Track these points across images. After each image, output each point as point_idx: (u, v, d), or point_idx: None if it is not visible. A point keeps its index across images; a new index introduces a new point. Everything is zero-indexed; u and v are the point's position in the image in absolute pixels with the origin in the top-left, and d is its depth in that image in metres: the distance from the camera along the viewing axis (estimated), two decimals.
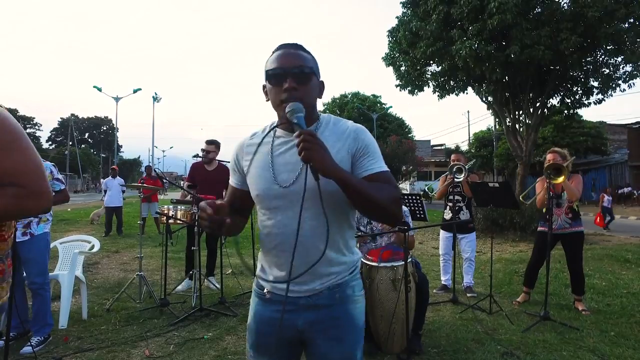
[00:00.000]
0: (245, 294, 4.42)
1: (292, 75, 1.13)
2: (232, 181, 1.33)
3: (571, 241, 4.05)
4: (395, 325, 2.85)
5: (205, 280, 4.55)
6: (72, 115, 64.33)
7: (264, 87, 1.23)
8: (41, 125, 63.69)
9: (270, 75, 1.17)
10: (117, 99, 25.70)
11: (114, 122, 63.37)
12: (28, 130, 61.27)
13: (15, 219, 1.38)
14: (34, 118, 62.45)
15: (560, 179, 3.76)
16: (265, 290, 1.23)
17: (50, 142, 65.68)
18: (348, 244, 1.23)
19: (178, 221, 4.24)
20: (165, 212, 4.19)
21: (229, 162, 5.12)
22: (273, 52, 1.20)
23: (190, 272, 4.75)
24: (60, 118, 64.83)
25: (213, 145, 4.86)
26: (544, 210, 4.10)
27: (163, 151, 62.33)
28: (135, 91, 25.81)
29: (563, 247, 4.12)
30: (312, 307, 1.18)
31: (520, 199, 4.07)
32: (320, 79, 1.25)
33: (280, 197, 1.16)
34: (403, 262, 2.77)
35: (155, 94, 32.65)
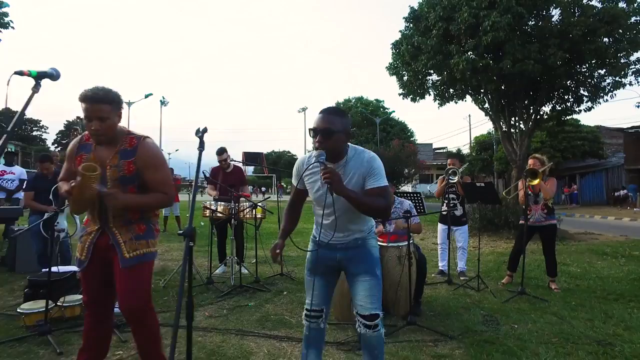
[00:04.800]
0: (274, 276, 5.26)
1: (320, 133, 1.99)
2: (295, 185, 2.25)
3: (546, 232, 4.88)
4: (401, 292, 3.68)
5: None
6: (78, 118, 65.11)
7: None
8: (47, 127, 64.49)
9: (310, 131, 2.03)
10: (129, 104, 26.66)
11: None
12: (35, 133, 62.40)
13: (154, 211, 2.40)
14: (40, 121, 63.09)
15: (535, 182, 4.60)
16: (317, 238, 2.24)
17: (56, 145, 66.54)
18: (362, 218, 2.17)
19: (219, 214, 5.08)
20: (209, 206, 5.03)
21: (239, 162, 6.06)
22: (317, 114, 2.06)
23: (226, 259, 5.60)
24: (66, 121, 65.45)
25: (225, 154, 5.68)
26: (524, 206, 4.93)
27: (169, 154, 63.16)
28: (147, 96, 26.79)
29: (540, 236, 4.96)
30: (343, 248, 2.17)
31: (503, 194, 4.89)
32: (347, 131, 2.08)
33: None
34: (407, 243, 3.61)
35: (163, 97, 33.60)
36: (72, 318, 3.56)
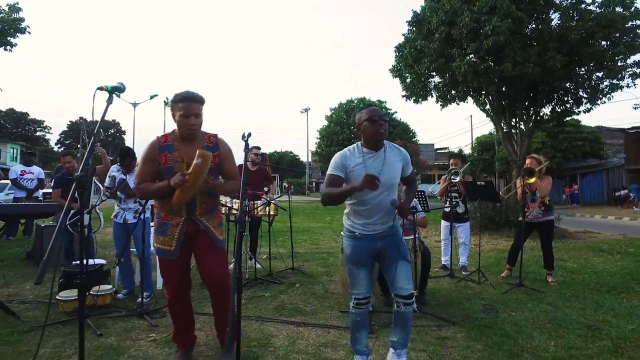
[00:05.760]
0: (286, 270, 5.56)
1: (383, 120, 2.36)
2: (338, 174, 2.43)
3: (544, 228, 5.17)
4: None
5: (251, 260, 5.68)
6: (81, 118, 65.51)
7: (359, 125, 2.43)
8: (51, 128, 65.03)
9: (371, 119, 2.36)
10: (134, 105, 27.01)
11: (121, 125, 64.85)
12: (38, 134, 62.85)
13: (229, 195, 2.88)
14: (44, 121, 63.82)
15: (532, 180, 4.89)
16: (357, 233, 2.48)
17: (59, 145, 66.79)
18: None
19: (234, 211, 5.37)
20: (224, 204, 5.32)
21: (264, 164, 6.56)
22: (364, 108, 2.43)
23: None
24: (69, 121, 65.86)
25: (260, 150, 6.03)
26: (522, 204, 5.22)
27: None
28: (152, 97, 27.12)
29: (538, 232, 5.25)
30: (383, 237, 2.47)
31: (501, 194, 5.17)
32: None
33: None
34: (412, 237, 3.90)
35: (167, 98, 33.94)
36: (104, 306, 3.87)
